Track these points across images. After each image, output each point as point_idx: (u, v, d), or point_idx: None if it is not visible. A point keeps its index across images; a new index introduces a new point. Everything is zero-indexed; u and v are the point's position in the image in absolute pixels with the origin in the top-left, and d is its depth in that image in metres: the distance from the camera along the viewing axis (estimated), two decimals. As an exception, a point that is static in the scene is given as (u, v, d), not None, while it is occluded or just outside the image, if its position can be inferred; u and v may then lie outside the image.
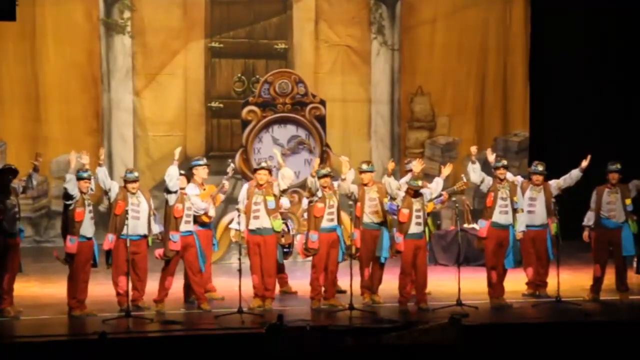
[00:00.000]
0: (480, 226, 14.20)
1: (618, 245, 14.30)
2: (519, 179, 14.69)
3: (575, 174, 14.67)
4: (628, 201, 14.30)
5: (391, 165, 14.01)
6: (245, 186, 14.24)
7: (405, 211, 13.60)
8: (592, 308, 13.69)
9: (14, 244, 13.31)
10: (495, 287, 13.93)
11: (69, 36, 20.08)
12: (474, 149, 14.18)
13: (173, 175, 13.40)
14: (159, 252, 13.53)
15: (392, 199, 13.80)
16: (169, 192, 13.46)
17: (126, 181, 13.51)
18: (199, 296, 13.63)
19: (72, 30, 20.09)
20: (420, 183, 13.76)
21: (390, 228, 14.15)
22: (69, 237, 13.14)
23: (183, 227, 13.49)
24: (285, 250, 15.06)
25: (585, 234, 14.42)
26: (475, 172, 14.10)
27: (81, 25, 20.14)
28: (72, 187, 13.08)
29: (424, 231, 13.73)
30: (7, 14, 13.34)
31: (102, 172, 13.40)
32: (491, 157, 14.34)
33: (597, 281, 14.34)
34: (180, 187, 13.56)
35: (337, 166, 16.65)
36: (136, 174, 13.69)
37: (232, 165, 14.70)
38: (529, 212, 14.55)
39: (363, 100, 20.89)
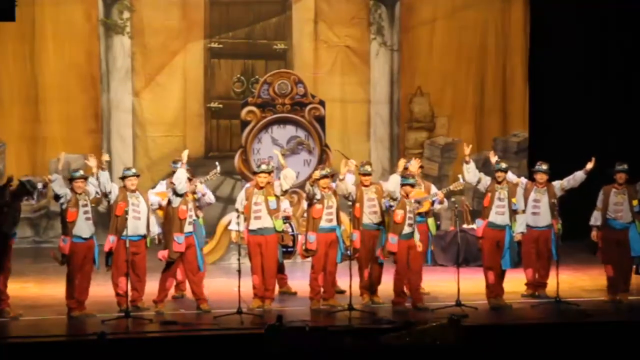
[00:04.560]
0: (477, 225, 14.24)
1: (625, 246, 14.29)
2: (523, 180, 14.69)
3: (579, 175, 14.65)
4: (635, 202, 14.29)
5: (402, 162, 14.00)
6: (245, 187, 14.26)
7: (400, 212, 13.60)
8: (592, 308, 13.69)
9: (10, 245, 13.34)
10: (494, 287, 13.93)
11: (69, 37, 20.09)
12: (467, 149, 14.18)
13: (182, 179, 13.37)
14: (162, 254, 13.50)
15: (393, 199, 13.72)
16: (176, 194, 13.42)
17: (125, 177, 13.51)
18: (198, 296, 13.62)
19: (72, 31, 20.10)
20: (411, 181, 13.75)
21: (388, 228, 14.11)
22: (62, 237, 13.16)
23: (186, 228, 13.48)
24: (289, 250, 15.04)
25: (594, 233, 14.41)
26: (469, 172, 14.11)
27: (80, 26, 20.15)
28: (58, 187, 13.07)
29: (413, 232, 13.77)
30: (6, 14, 13.34)
31: (104, 176, 13.37)
32: (494, 159, 14.36)
33: (612, 281, 14.35)
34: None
35: (337, 167, 16.65)
36: (134, 170, 13.75)
37: (217, 169, 14.63)
38: (534, 213, 14.54)
39: (362, 100, 20.90)
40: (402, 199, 13.64)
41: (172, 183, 13.57)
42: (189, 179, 13.61)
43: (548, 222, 14.59)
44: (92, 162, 13.45)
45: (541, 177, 14.69)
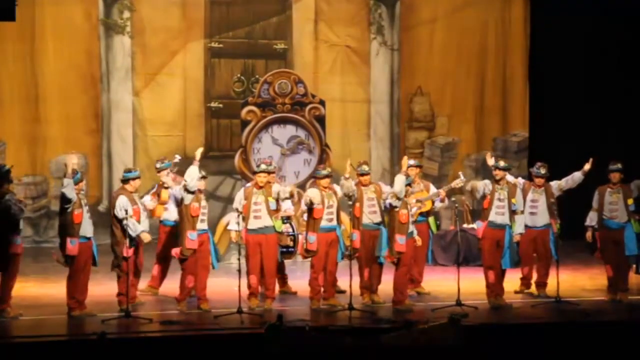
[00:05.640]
0: (477, 227, 14.26)
1: (622, 245, 14.30)
2: (520, 180, 14.70)
3: (577, 176, 14.69)
4: (630, 201, 14.31)
5: (405, 161, 14.01)
6: (244, 187, 14.27)
7: (404, 212, 13.62)
8: (592, 308, 13.70)
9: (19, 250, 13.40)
10: (494, 286, 13.94)
11: (69, 36, 20.08)
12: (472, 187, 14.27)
13: (194, 176, 13.35)
14: (175, 251, 13.55)
15: (399, 199, 13.70)
16: (187, 191, 13.42)
17: (128, 180, 13.57)
18: (200, 295, 13.63)
19: (72, 31, 20.09)
20: (408, 180, 13.78)
21: (391, 228, 14.10)
22: (69, 239, 13.09)
23: (199, 225, 13.50)
24: (290, 250, 15.03)
25: (589, 234, 14.43)
26: (479, 192, 14.15)
27: (80, 26, 20.14)
28: (70, 191, 13.06)
29: (413, 230, 13.83)
30: (6, 14, 13.35)
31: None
32: (490, 160, 14.40)
33: (612, 281, 14.36)
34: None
35: (337, 167, 16.66)
36: (138, 172, 13.81)
37: (177, 159, 14.70)
38: (531, 213, 14.57)
39: (362, 100, 20.90)
40: (404, 199, 13.69)
41: (184, 180, 13.59)
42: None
43: (546, 222, 14.63)
44: (74, 159, 13.47)
45: (539, 181, 14.75)
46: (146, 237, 13.49)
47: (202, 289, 13.62)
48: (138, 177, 13.71)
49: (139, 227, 13.37)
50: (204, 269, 13.60)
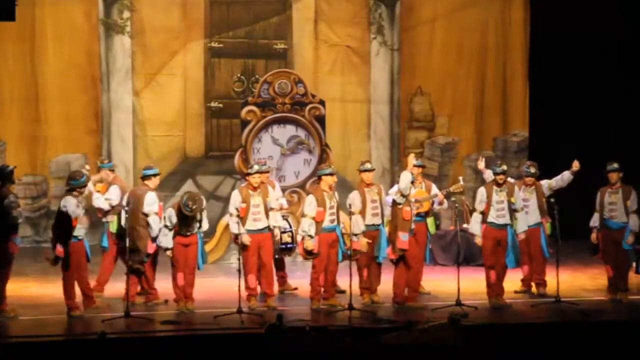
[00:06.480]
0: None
1: (621, 245, 14.31)
2: (511, 180, 14.73)
3: (567, 176, 14.83)
4: (629, 203, 14.30)
5: (411, 158, 14.02)
6: (236, 190, 14.24)
7: (407, 209, 13.64)
8: (592, 308, 13.70)
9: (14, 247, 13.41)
10: (495, 286, 13.95)
11: (69, 36, 20.06)
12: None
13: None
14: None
15: (404, 195, 13.72)
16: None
17: (149, 177, 13.82)
18: (187, 295, 13.64)
19: (72, 31, 20.07)
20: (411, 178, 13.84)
21: (392, 227, 14.10)
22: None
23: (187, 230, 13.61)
24: (289, 246, 15.05)
25: (593, 235, 14.45)
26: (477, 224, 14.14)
27: (80, 26, 20.12)
28: (74, 208, 13.16)
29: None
30: (6, 14, 13.34)
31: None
32: (481, 164, 14.41)
33: (612, 281, 14.38)
34: None
35: (337, 167, 16.65)
36: (157, 169, 14.22)
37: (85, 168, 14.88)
38: None
39: (362, 100, 20.87)
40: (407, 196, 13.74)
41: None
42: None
43: (537, 221, 14.74)
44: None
45: (529, 180, 14.81)
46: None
47: (191, 289, 13.63)
48: (158, 175, 13.85)
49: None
50: (193, 269, 13.64)
